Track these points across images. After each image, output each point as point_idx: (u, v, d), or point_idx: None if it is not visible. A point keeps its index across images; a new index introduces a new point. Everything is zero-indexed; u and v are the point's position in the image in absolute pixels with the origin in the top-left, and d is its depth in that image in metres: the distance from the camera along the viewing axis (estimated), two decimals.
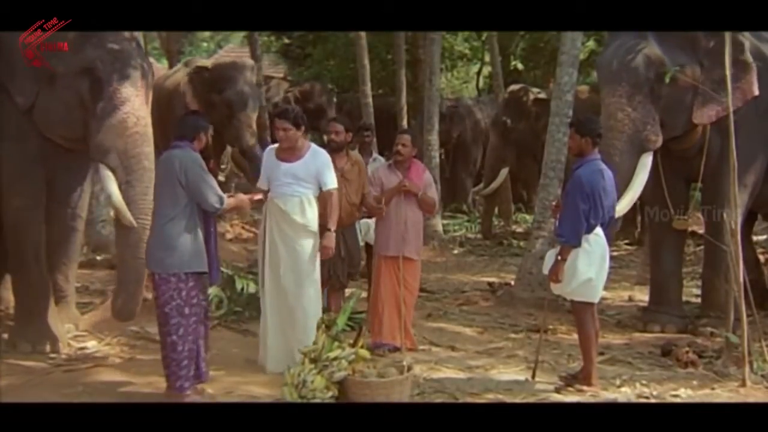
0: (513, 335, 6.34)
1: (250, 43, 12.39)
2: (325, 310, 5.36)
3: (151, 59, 7.33)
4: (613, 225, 5.42)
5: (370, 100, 11.26)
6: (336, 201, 5.25)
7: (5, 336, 5.58)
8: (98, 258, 8.16)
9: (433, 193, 6.03)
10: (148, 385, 4.83)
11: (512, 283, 7.76)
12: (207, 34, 23.67)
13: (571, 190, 4.89)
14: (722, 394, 4.85)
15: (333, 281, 5.74)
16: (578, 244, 4.81)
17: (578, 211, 4.77)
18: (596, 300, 5.01)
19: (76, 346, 5.63)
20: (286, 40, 17.70)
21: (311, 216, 5.14)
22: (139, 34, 5.72)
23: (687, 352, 5.51)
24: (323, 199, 5.22)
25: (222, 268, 5.69)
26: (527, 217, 12.20)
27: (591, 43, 14.38)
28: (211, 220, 4.74)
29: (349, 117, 9.13)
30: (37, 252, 5.47)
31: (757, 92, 5.95)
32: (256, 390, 4.80)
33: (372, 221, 6.15)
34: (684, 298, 6.79)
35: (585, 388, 4.84)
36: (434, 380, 5.06)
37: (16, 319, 5.63)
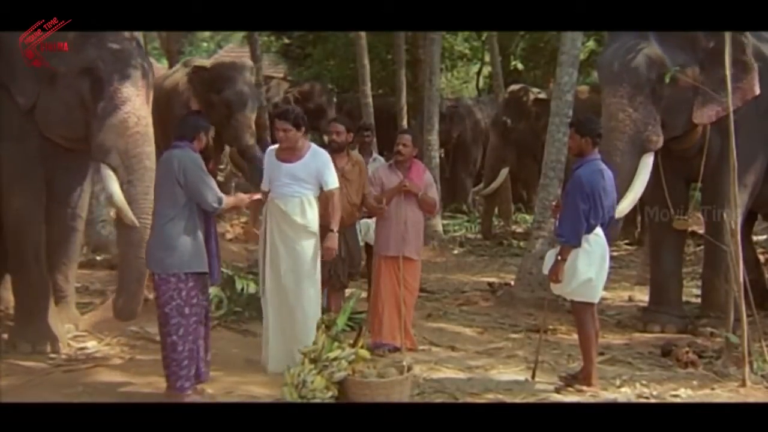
0: (513, 335, 6.34)
1: (250, 43, 12.37)
2: (325, 310, 5.35)
3: (151, 59, 7.33)
4: (614, 225, 5.42)
5: (370, 100, 11.24)
6: (338, 201, 5.24)
7: (5, 336, 5.59)
8: (98, 258, 8.17)
9: (434, 194, 6.02)
10: (148, 385, 4.83)
11: (512, 283, 7.76)
12: (207, 34, 23.63)
13: (571, 190, 4.89)
14: (722, 394, 4.85)
15: (333, 281, 5.73)
16: (578, 244, 4.80)
17: (578, 211, 4.76)
18: (596, 300, 5.01)
19: (76, 346, 5.63)
20: (286, 40, 17.67)
21: (311, 217, 5.13)
22: (139, 34, 5.72)
23: (687, 352, 5.50)
24: (324, 199, 5.21)
25: (222, 268, 5.69)
26: (527, 217, 12.19)
27: (591, 43, 14.39)
28: (212, 220, 4.75)
29: (349, 117, 9.10)
30: (37, 252, 5.47)
31: (758, 92, 5.95)
32: (256, 390, 4.80)
33: (372, 221, 6.15)
34: (684, 298, 6.79)
35: (585, 388, 4.83)
36: (434, 380, 5.05)
37: (16, 319, 5.63)
